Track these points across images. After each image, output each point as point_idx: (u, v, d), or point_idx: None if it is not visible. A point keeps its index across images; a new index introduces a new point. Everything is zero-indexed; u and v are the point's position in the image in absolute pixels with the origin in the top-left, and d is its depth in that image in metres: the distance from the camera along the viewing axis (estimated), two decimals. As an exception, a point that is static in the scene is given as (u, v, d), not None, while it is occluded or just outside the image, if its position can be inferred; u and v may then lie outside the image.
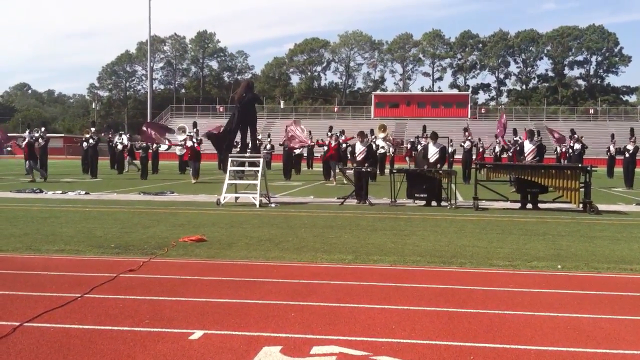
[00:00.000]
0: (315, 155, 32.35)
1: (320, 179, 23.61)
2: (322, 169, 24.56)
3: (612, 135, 28.52)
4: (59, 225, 9.68)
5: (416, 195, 13.87)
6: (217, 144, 14.63)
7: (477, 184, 13.25)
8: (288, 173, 24.89)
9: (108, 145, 31.74)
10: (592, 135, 53.67)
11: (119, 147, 28.41)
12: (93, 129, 26.46)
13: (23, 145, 21.88)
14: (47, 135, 25.46)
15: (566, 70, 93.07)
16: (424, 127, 26.03)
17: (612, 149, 26.62)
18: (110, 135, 32.15)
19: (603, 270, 6.60)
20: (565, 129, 44.29)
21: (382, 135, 29.36)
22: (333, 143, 22.49)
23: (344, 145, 22.57)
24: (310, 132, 34.59)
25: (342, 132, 24.64)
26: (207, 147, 23.91)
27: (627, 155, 22.01)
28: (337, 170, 21.40)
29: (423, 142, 21.77)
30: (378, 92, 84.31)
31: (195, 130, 23.87)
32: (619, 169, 24.81)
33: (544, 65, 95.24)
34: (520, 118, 69.28)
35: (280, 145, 27.22)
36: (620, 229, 10.06)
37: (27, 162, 21.61)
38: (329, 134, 23.77)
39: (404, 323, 4.53)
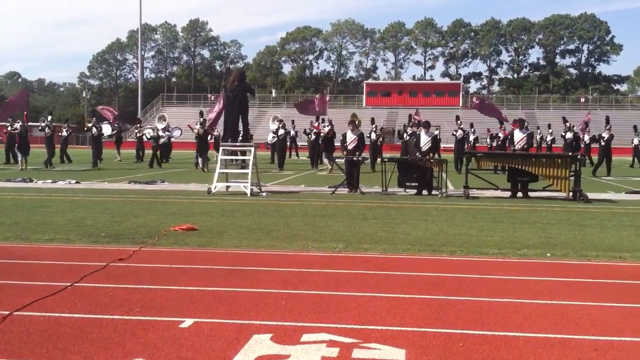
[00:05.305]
0: (303, 144, 32.17)
1: (309, 168, 23.61)
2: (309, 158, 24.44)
3: (586, 123, 28.24)
4: (49, 214, 9.64)
5: (407, 184, 13.89)
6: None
7: (467, 172, 13.29)
8: (281, 163, 24.84)
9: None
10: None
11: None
12: (94, 119, 26.18)
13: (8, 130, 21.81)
14: (54, 124, 25.41)
15: (557, 59, 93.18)
16: (410, 116, 25.44)
17: (586, 137, 26.57)
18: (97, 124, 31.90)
19: (592, 258, 6.65)
20: (556, 117, 44.47)
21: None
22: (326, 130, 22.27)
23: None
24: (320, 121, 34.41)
25: (330, 122, 24.13)
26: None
27: (602, 143, 22.30)
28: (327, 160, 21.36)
29: (409, 130, 21.71)
30: (370, 80, 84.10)
31: (202, 119, 23.84)
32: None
33: (535, 54, 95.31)
34: (512, 107, 69.38)
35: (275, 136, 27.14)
36: (609, 217, 10.12)
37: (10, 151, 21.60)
38: (321, 122, 23.66)
39: (394, 311, 4.55)
